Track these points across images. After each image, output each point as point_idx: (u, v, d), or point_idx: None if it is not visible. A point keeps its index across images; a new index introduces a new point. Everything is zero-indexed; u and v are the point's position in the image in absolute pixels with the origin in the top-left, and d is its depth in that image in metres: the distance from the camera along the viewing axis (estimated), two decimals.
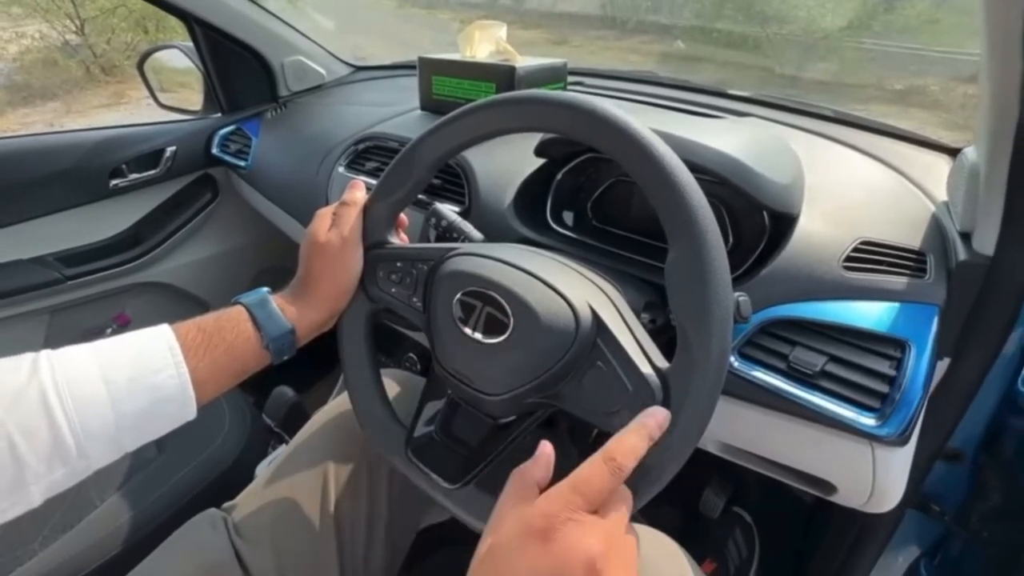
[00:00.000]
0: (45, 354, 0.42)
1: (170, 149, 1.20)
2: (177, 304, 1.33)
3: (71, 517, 0.74)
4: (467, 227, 0.63)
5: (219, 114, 1.28)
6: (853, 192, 0.64)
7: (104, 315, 1.22)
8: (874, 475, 0.52)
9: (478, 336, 0.46)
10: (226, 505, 0.61)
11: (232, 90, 1.26)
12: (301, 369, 0.86)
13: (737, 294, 0.46)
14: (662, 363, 0.41)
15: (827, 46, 6.01)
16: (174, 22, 1.21)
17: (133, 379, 0.43)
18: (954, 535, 0.72)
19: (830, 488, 0.57)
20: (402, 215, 0.59)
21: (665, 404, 0.39)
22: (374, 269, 0.55)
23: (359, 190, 0.56)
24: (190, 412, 0.46)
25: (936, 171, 0.66)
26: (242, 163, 1.19)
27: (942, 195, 0.63)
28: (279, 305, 0.51)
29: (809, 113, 0.85)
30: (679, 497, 1.08)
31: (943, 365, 0.56)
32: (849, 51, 5.86)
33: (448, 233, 0.64)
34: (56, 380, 0.40)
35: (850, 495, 0.56)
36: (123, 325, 1.25)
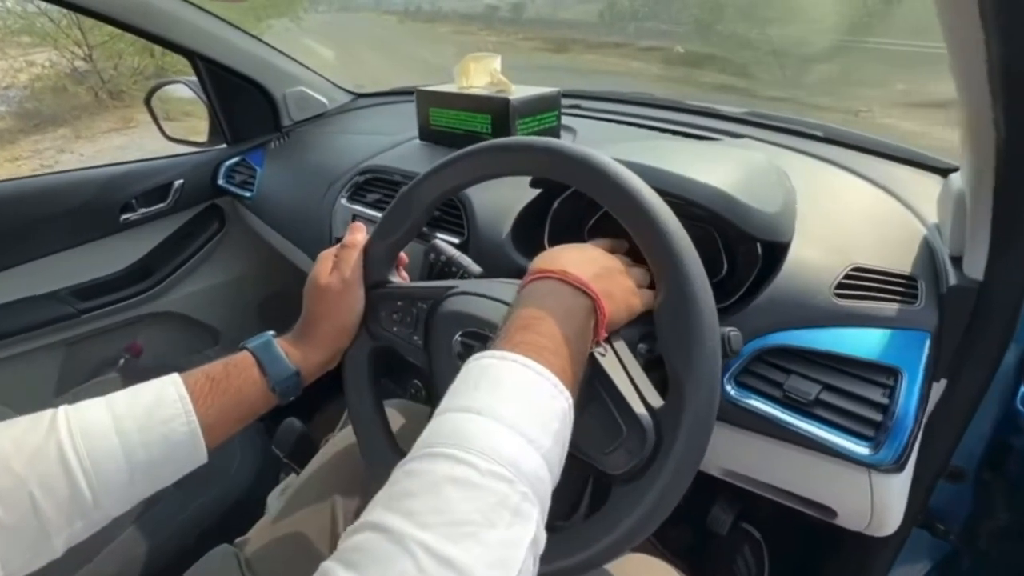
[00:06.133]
0: (63, 409, 0.43)
1: (178, 182, 1.23)
2: (188, 332, 1.35)
3: (90, 550, 0.76)
4: (465, 261, 0.65)
5: (224, 145, 1.31)
6: (845, 217, 0.65)
7: (117, 346, 1.25)
8: (872, 500, 0.52)
9: None
10: (238, 540, 0.62)
11: (236, 122, 1.29)
12: (305, 396, 0.88)
13: (728, 329, 0.46)
14: (656, 402, 0.42)
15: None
16: None
17: (145, 430, 0.44)
18: (961, 553, 0.72)
19: (831, 513, 0.57)
20: (401, 253, 0.60)
21: (657, 444, 0.40)
22: (376, 308, 0.57)
23: (360, 232, 0.58)
24: (201, 457, 0.48)
25: (927, 192, 0.67)
26: (247, 194, 1.21)
27: (933, 216, 0.63)
28: (283, 348, 0.53)
29: (802, 134, 0.85)
30: (687, 514, 1.08)
31: (940, 386, 0.57)
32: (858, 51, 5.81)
33: (447, 267, 0.65)
34: (72, 434, 0.42)
35: (850, 519, 0.57)
36: (136, 355, 1.27)
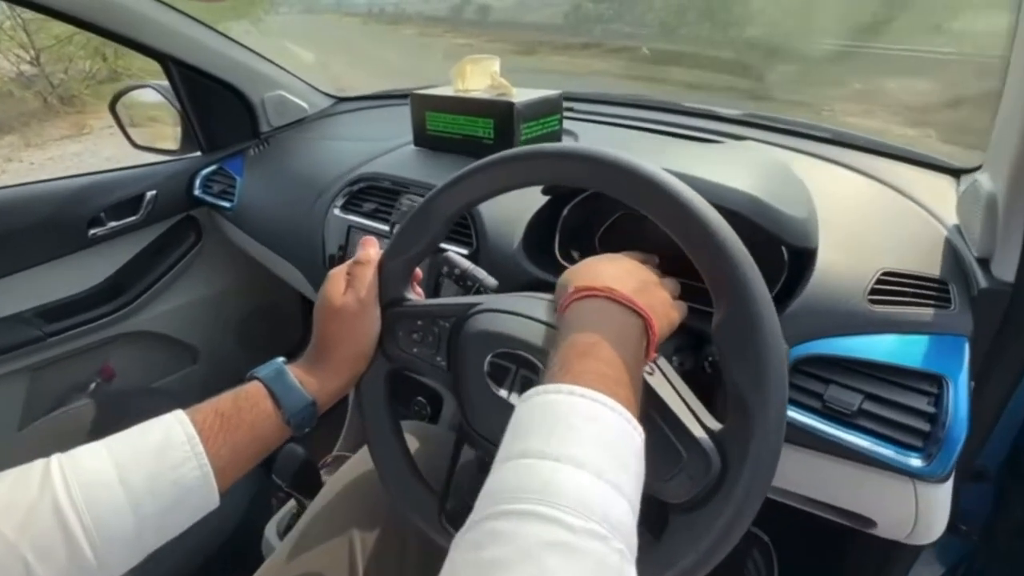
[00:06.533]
0: (56, 459, 0.38)
1: (150, 193, 1.16)
2: (164, 351, 1.28)
3: None
4: (480, 273, 0.62)
5: (199, 153, 1.24)
6: (865, 219, 0.64)
7: (88, 370, 1.16)
8: (917, 510, 0.51)
9: (514, 399, 0.44)
10: None
11: (211, 128, 1.22)
12: None
13: None
14: (714, 424, 0.40)
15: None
16: None
17: (153, 477, 0.40)
18: (978, 552, 0.72)
19: (870, 523, 0.56)
20: (417, 268, 0.57)
21: (723, 470, 0.38)
22: (393, 328, 0.53)
23: (373, 247, 0.54)
24: (213, 501, 0.43)
25: (942, 193, 0.67)
26: (227, 204, 1.15)
27: (950, 218, 0.63)
28: (297, 376, 0.48)
29: (805, 135, 0.85)
30: None
31: None
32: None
33: (462, 281, 0.62)
34: (70, 488, 0.37)
35: (890, 529, 0.56)
36: (108, 378, 1.19)
